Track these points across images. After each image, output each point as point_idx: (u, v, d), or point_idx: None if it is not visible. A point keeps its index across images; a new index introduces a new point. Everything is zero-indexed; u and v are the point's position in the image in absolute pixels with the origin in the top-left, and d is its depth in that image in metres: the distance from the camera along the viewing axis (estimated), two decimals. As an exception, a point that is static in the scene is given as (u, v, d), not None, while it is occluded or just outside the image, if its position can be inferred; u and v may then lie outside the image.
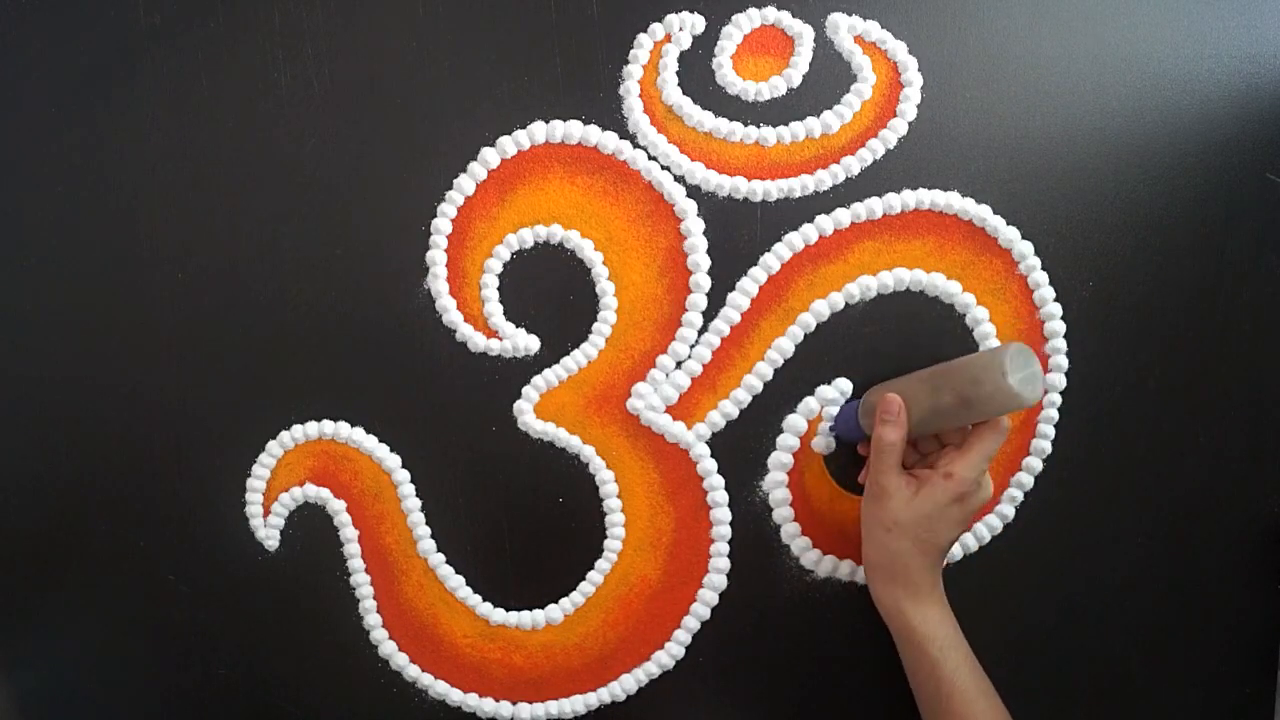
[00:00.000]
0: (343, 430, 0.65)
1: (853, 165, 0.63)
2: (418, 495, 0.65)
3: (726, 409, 0.64)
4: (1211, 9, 0.63)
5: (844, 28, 0.63)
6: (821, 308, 0.63)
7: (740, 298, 0.63)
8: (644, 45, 0.63)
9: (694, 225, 0.63)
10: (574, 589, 0.65)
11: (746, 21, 0.63)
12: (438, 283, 0.64)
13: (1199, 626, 0.65)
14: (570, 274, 0.64)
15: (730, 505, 0.64)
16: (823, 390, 0.63)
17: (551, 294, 0.64)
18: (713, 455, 0.64)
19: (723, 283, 0.63)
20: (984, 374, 0.54)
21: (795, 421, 0.64)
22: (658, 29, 0.63)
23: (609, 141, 0.63)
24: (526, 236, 0.64)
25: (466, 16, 0.63)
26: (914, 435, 0.58)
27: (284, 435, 0.65)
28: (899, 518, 0.57)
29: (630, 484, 0.64)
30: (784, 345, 0.63)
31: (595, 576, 0.65)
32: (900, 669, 0.63)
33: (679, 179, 0.63)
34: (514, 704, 0.66)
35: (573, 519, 0.65)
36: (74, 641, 0.67)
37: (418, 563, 0.65)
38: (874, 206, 0.63)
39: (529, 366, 0.64)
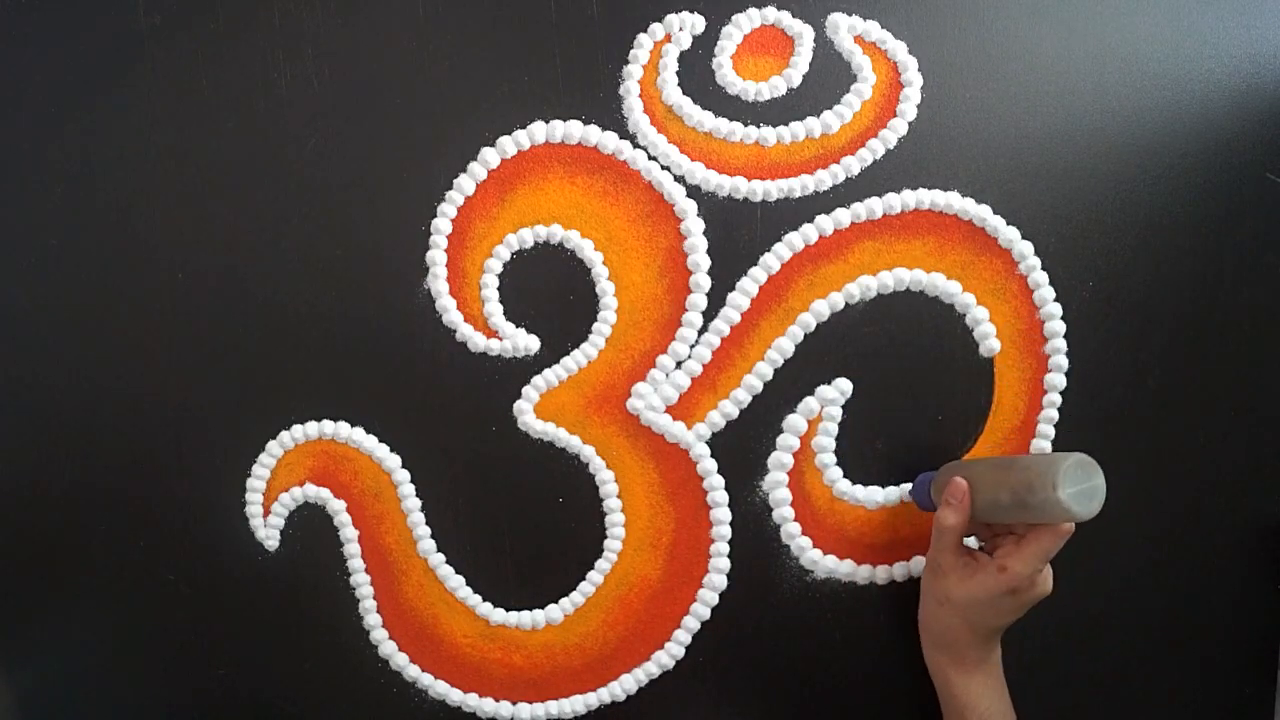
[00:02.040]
0: (343, 430, 0.65)
1: (853, 165, 0.63)
2: (418, 495, 0.65)
3: (726, 409, 0.64)
4: (1211, 9, 0.63)
5: (844, 28, 0.63)
6: (821, 308, 0.63)
7: (740, 298, 0.63)
8: (644, 45, 0.63)
9: (694, 225, 0.63)
10: (574, 589, 0.65)
11: (746, 21, 0.63)
12: (438, 283, 0.64)
13: (1199, 626, 0.65)
14: (570, 274, 0.64)
15: (730, 505, 0.64)
16: (823, 390, 0.63)
17: (551, 294, 0.64)
18: (713, 455, 0.64)
19: (723, 283, 0.63)
20: (1039, 481, 0.52)
21: (795, 421, 0.64)
22: (658, 29, 0.63)
23: (609, 141, 0.63)
24: (526, 236, 0.64)
25: (466, 16, 0.63)
26: (976, 521, 0.57)
27: (284, 435, 0.65)
28: (951, 595, 0.57)
29: (630, 484, 0.64)
30: (784, 345, 0.63)
31: (595, 576, 0.65)
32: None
33: (679, 179, 0.63)
34: (514, 704, 0.66)
35: (573, 519, 0.65)
36: (74, 641, 0.67)
37: (418, 563, 0.65)
38: (874, 206, 0.63)
39: (529, 366, 0.64)
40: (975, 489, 0.56)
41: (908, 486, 0.64)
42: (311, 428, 0.65)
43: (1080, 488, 0.52)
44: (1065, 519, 0.52)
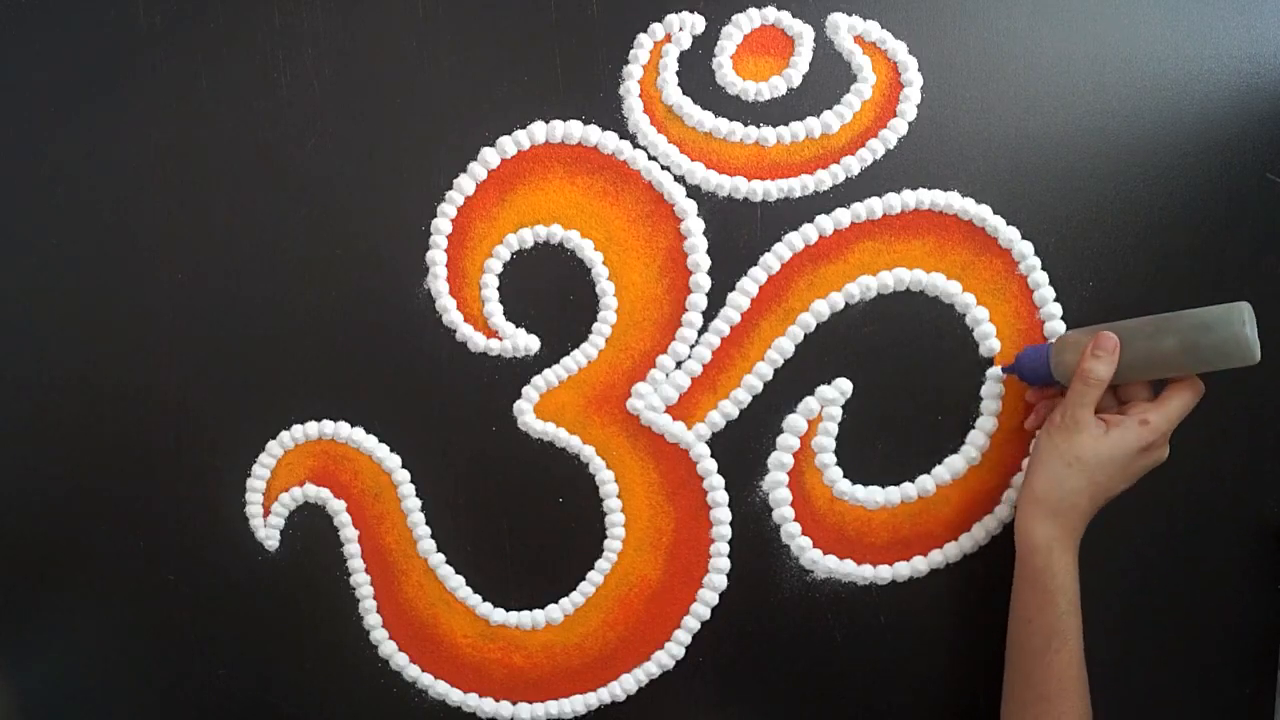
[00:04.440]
0: (343, 430, 0.65)
1: (853, 165, 0.63)
2: (418, 495, 0.65)
3: (726, 409, 0.64)
4: (1211, 9, 0.63)
5: (844, 28, 0.63)
6: (821, 308, 0.63)
7: (740, 298, 0.63)
8: (644, 45, 0.63)
9: (694, 225, 0.63)
10: (574, 589, 0.65)
11: (746, 21, 0.63)
12: (438, 283, 0.64)
13: (1199, 626, 0.65)
14: (570, 274, 0.64)
15: (730, 505, 0.64)
16: (823, 390, 0.63)
17: (551, 294, 0.64)
18: (713, 455, 0.64)
19: (723, 283, 0.63)
20: (1219, 322, 0.53)
21: (795, 421, 0.64)
22: (658, 29, 0.63)
23: (609, 141, 0.63)
24: (526, 236, 0.64)
25: (466, 16, 0.63)
26: (1118, 379, 0.57)
27: (284, 435, 0.65)
28: (1083, 453, 0.56)
29: (630, 484, 0.64)
30: (784, 345, 0.63)
31: (595, 576, 0.65)
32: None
33: (679, 179, 0.63)
34: (514, 704, 0.66)
35: (573, 519, 0.65)
36: (74, 641, 0.67)
37: (418, 563, 0.65)
38: (874, 206, 0.63)
39: (529, 366, 0.64)
40: (1124, 344, 0.56)
41: (911, 484, 0.64)
42: (311, 428, 0.65)
43: (1254, 330, 0.53)
44: (1238, 360, 0.53)
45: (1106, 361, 0.56)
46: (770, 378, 0.64)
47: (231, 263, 0.64)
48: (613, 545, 0.65)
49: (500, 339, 0.64)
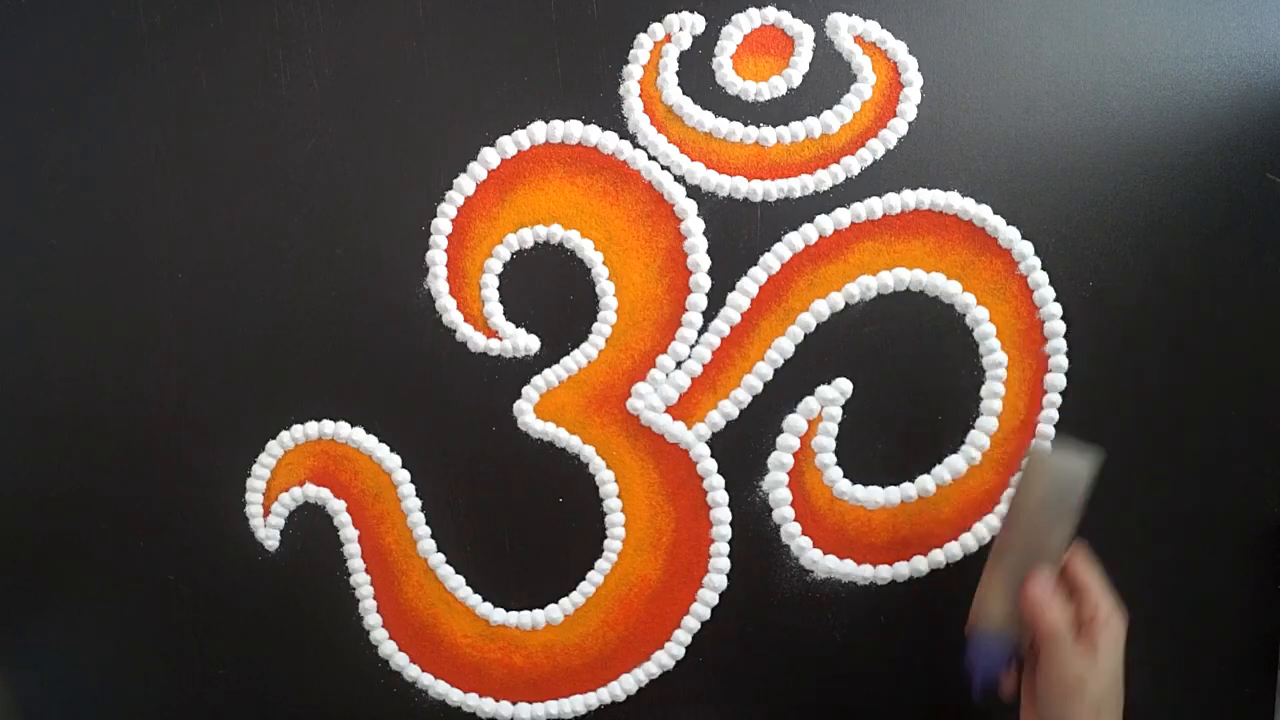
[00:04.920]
0: (343, 430, 0.65)
1: (853, 165, 0.63)
2: (418, 495, 0.65)
3: (726, 409, 0.64)
4: (1211, 9, 0.63)
5: (844, 28, 0.63)
6: (821, 308, 0.63)
7: (740, 298, 0.63)
8: (644, 45, 0.63)
9: (694, 225, 0.63)
10: (574, 589, 0.65)
11: (746, 21, 0.63)
12: (438, 283, 0.64)
13: (1199, 626, 0.65)
14: (570, 274, 0.64)
15: (730, 505, 0.64)
16: (823, 390, 0.63)
17: (551, 294, 0.64)
18: (713, 455, 0.64)
19: (723, 283, 0.63)
20: (1027, 472, 0.55)
21: (795, 421, 0.64)
22: (658, 29, 0.63)
23: (609, 141, 0.63)
24: (526, 236, 0.64)
25: (466, 16, 0.63)
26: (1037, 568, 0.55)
27: (284, 435, 0.65)
28: (1094, 693, 0.51)
29: (630, 484, 0.64)
30: (784, 345, 0.63)
31: (595, 576, 0.65)
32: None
33: (679, 179, 0.63)
34: (514, 704, 0.66)
35: (573, 519, 0.65)
36: (74, 641, 0.67)
37: (418, 563, 0.65)
38: (874, 206, 0.63)
39: (529, 366, 0.64)
40: (1009, 570, 0.55)
41: (911, 484, 0.64)
42: (311, 428, 0.65)
43: (1062, 453, 0.56)
44: (1069, 477, 0.54)
45: (1050, 606, 0.53)
46: (770, 378, 0.64)
47: (231, 263, 0.64)
48: (613, 545, 0.65)
49: (500, 339, 0.64)
